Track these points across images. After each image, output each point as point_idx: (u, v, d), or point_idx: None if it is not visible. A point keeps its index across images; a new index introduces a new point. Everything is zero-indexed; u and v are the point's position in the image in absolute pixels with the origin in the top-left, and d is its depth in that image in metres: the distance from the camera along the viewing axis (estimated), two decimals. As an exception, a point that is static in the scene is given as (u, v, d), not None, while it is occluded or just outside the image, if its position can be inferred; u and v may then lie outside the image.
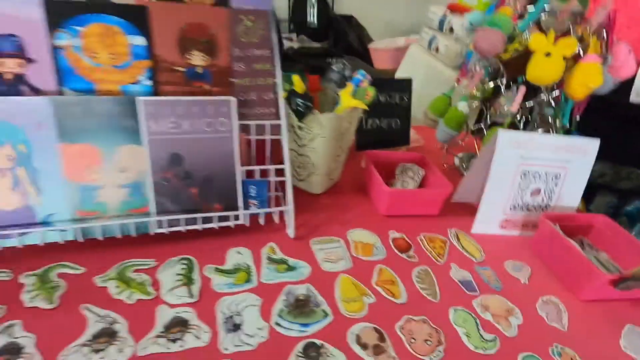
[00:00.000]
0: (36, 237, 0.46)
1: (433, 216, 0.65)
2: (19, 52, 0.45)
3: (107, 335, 0.39)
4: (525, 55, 0.59)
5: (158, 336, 0.39)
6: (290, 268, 0.50)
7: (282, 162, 0.55)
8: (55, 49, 0.46)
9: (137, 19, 0.48)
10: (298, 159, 0.63)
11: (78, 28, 0.46)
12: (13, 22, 0.44)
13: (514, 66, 0.62)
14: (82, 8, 0.46)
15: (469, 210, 0.66)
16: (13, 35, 0.45)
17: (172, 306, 0.43)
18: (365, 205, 0.65)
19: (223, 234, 0.53)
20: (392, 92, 0.77)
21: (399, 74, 1.89)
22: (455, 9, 1.79)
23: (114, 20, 0.47)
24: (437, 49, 1.81)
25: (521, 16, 0.66)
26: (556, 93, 0.67)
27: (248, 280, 0.47)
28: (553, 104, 0.65)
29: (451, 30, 1.76)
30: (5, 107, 0.43)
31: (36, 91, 0.46)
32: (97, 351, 0.37)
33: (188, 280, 0.46)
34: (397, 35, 3.24)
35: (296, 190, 0.60)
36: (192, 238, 0.51)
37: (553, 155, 0.61)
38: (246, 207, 0.54)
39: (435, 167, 0.70)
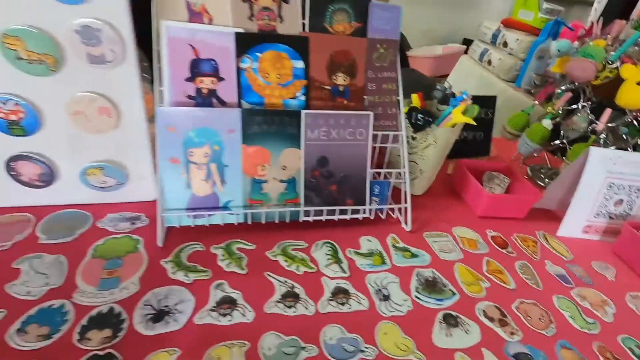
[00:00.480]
0: (218, 218, 0.58)
1: (520, 219, 0.74)
2: (214, 73, 0.57)
3: (292, 296, 0.50)
4: (615, 82, 0.67)
5: (329, 300, 0.50)
6: (414, 255, 0.60)
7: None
8: (240, 70, 0.58)
9: (300, 47, 0.60)
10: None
11: (257, 54, 0.58)
12: (212, 50, 0.57)
13: (604, 91, 0.70)
14: (261, 38, 0.58)
15: (549, 215, 0.75)
16: (212, 60, 0.57)
17: (332, 278, 0.54)
18: (460, 207, 0.75)
19: (354, 224, 0.63)
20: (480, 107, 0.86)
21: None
22: (509, 25, 1.85)
23: (283, 48, 0.59)
24: (489, 62, 1.88)
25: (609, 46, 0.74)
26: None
27: (383, 262, 0.58)
28: (637, 125, 0.72)
29: (504, 44, 1.83)
30: (208, 116, 0.55)
31: (222, 103, 0.59)
32: (289, 307, 0.48)
33: (337, 260, 0.57)
34: (434, 43, 3.31)
35: (400, 190, 0.70)
36: (331, 226, 0.62)
37: (636, 171, 0.68)
38: (370, 203, 0.65)
39: (520, 175, 0.78)
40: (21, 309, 0.43)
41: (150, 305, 0.46)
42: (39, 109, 0.50)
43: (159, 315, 0.45)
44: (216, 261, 0.53)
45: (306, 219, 0.61)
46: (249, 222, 0.59)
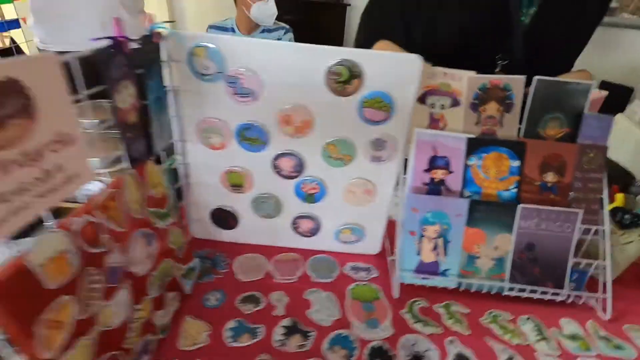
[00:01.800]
0: (437, 281, 0.73)
1: None
2: (446, 167, 0.73)
3: (513, 363, 0.61)
4: None
5: (547, 374, 0.59)
6: (618, 347, 0.65)
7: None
8: (466, 166, 0.73)
9: (518, 150, 0.72)
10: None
11: (483, 154, 0.73)
12: (447, 149, 0.73)
13: None
14: (487, 142, 0.73)
15: None
16: (445, 157, 0.73)
17: (547, 355, 0.63)
18: (653, 301, 0.77)
19: (552, 304, 0.72)
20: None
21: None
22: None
23: (504, 150, 0.72)
24: (653, 126, 1.74)
25: None
26: None
27: (588, 349, 0.65)
28: None
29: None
30: (443, 202, 0.71)
31: (448, 190, 0.74)
32: (512, 373, 0.59)
33: (544, 337, 0.66)
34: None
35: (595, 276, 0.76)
36: (531, 302, 0.72)
37: None
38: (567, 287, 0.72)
39: None
40: (323, 332, 0.62)
41: (406, 347, 0.62)
42: (327, 187, 0.72)
43: (416, 359, 0.60)
44: (441, 319, 0.67)
45: (508, 293, 0.72)
46: (461, 288, 0.72)
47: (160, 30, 0.55)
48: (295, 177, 0.71)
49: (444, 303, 0.71)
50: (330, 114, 0.64)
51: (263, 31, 1.96)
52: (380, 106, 0.63)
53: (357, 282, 0.74)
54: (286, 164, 0.70)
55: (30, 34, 2.08)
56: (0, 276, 0.34)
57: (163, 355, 0.56)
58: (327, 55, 0.59)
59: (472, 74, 0.73)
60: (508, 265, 0.72)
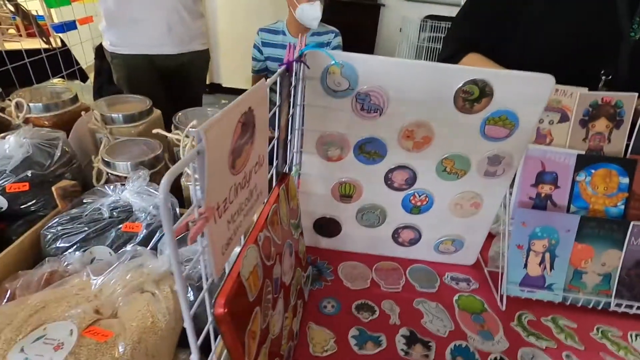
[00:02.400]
0: (542, 295, 0.74)
1: None
2: (554, 182, 0.74)
3: (634, 380, 0.62)
4: None
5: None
6: None
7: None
8: (574, 182, 0.74)
9: (629, 167, 0.73)
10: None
11: (592, 170, 0.73)
12: (555, 165, 0.74)
13: None
14: (597, 159, 0.73)
15: None
16: (554, 172, 0.74)
17: (662, 372, 0.64)
18: None
19: (659, 322, 0.72)
20: None
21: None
22: None
23: (614, 167, 0.73)
24: None
25: None
26: None
27: None
28: None
29: None
30: (554, 218, 0.72)
31: (554, 205, 0.75)
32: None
33: (657, 354, 0.67)
34: None
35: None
36: (636, 318, 0.72)
37: None
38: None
39: None
40: (442, 342, 0.64)
41: (525, 360, 0.63)
42: (435, 200, 0.74)
43: (537, 371, 0.62)
44: (552, 333, 0.69)
45: (615, 308, 0.72)
46: (567, 303, 0.73)
47: (311, 51, 0.57)
48: (406, 189, 0.73)
49: (550, 317, 0.72)
50: (451, 130, 0.66)
51: (313, 34, 1.98)
52: (504, 124, 0.64)
53: (460, 293, 0.75)
54: (399, 177, 0.72)
55: (84, 35, 2.14)
56: (228, 293, 0.37)
57: (298, 361, 0.59)
58: (460, 74, 0.60)
59: (583, 90, 0.74)
60: (615, 282, 0.72)
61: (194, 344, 0.34)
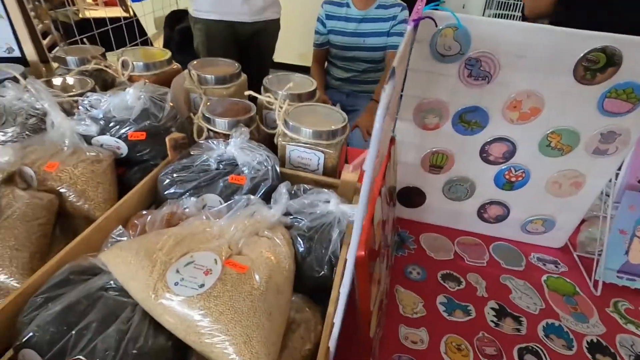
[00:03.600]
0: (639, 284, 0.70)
1: None
2: (670, 166, 0.69)
3: None
4: None
5: None
6: None
7: None
8: (695, 167, 0.68)
9: None
10: None
11: None
12: (673, 147, 0.68)
13: None
14: None
15: None
16: (671, 155, 0.68)
17: None
18: None
19: None
20: None
21: None
22: None
23: None
24: None
25: None
26: None
27: None
28: None
29: None
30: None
31: (667, 191, 0.70)
32: None
33: None
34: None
35: None
36: None
37: None
38: None
39: None
40: (533, 319, 0.63)
41: (625, 347, 0.61)
42: (531, 176, 0.71)
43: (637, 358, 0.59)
44: (654, 323, 0.65)
45: None
46: (670, 295, 0.69)
47: (433, 10, 0.56)
48: (502, 163, 0.71)
49: (654, 307, 0.68)
50: (563, 102, 0.62)
51: (378, 7, 1.92)
52: (628, 97, 0.59)
53: (549, 274, 0.73)
54: (497, 150, 0.69)
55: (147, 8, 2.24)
56: (365, 237, 0.38)
57: (390, 319, 0.61)
58: (587, 40, 0.56)
59: None
60: None
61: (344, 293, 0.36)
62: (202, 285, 0.39)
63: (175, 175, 0.64)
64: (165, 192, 0.63)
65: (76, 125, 0.63)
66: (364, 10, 1.94)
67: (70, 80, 0.86)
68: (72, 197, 0.59)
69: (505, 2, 3.13)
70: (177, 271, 0.41)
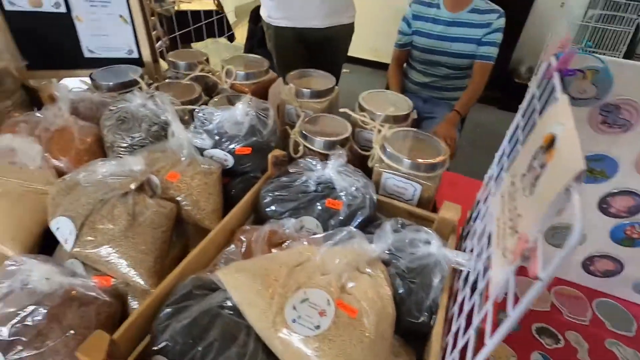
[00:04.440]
0: None
1: None
2: None
3: None
4: None
5: None
6: None
7: None
8: None
9: None
10: None
11: None
12: None
13: None
14: None
15: None
16: None
17: None
18: None
19: None
20: None
21: None
22: None
23: None
24: None
25: None
26: None
27: None
28: None
29: None
30: None
31: None
32: None
33: None
34: None
35: None
36: None
37: None
38: None
39: None
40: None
41: None
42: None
43: None
44: None
45: None
46: None
47: (576, 54, 0.51)
48: (624, 217, 0.64)
49: None
50: None
51: (472, 11, 1.80)
52: None
53: (666, 345, 0.65)
54: (620, 203, 0.62)
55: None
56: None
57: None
58: None
59: None
60: None
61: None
62: (317, 327, 0.41)
63: (276, 193, 0.67)
64: (267, 210, 0.66)
65: (194, 138, 0.69)
66: (455, 13, 1.83)
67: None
68: (187, 206, 0.64)
69: (614, 2, 2.76)
70: (294, 308, 0.43)
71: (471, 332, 0.38)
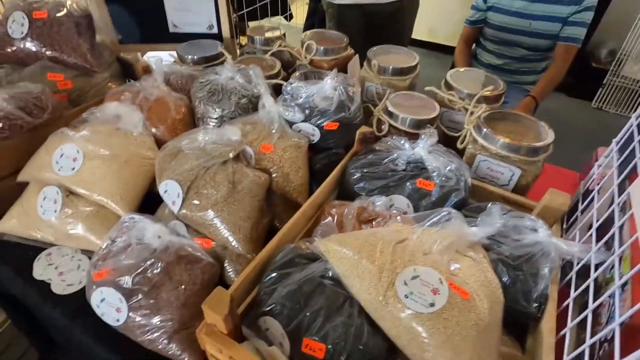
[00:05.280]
0: None
1: None
2: None
3: None
4: None
5: None
6: None
7: None
8: None
9: None
10: None
11: None
12: None
13: None
14: None
15: None
16: None
17: None
18: None
19: None
20: None
21: None
22: None
23: None
24: None
25: None
26: None
27: None
28: None
29: None
30: None
31: None
32: None
33: None
34: None
35: None
36: None
37: None
38: None
39: None
40: None
41: None
42: None
43: None
44: None
45: None
46: None
47: None
48: None
49: None
50: None
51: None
52: None
53: None
54: None
55: None
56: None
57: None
58: None
59: None
60: None
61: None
62: (432, 305, 0.40)
63: (365, 170, 0.66)
64: (355, 186, 0.66)
65: (285, 112, 0.69)
66: (535, -15, 1.65)
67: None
68: (278, 178, 0.66)
69: None
70: (405, 283, 0.42)
71: (615, 328, 0.35)
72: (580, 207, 0.60)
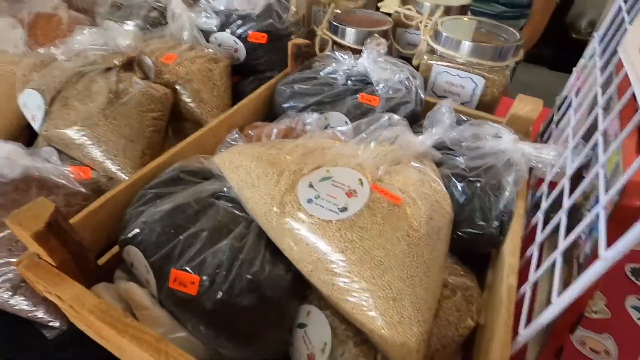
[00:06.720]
0: None
1: None
2: None
3: None
4: None
5: None
6: None
7: None
8: None
9: None
10: None
11: None
12: None
13: None
14: None
15: None
16: None
17: None
18: None
19: None
20: None
21: None
22: None
23: None
24: None
25: None
26: None
27: None
28: None
29: None
30: None
31: None
32: None
33: None
34: None
35: None
36: None
37: None
38: None
39: None
40: None
41: None
42: None
43: None
44: None
45: None
46: None
47: None
48: None
49: None
50: None
51: None
52: None
53: None
54: None
55: None
56: None
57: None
58: None
59: None
60: None
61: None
62: (344, 209, 0.28)
63: (296, 86, 0.53)
64: (284, 105, 0.53)
65: (196, 18, 0.56)
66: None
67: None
68: (186, 96, 0.52)
69: None
70: (311, 185, 0.30)
71: (557, 257, 0.23)
72: (556, 119, 0.49)
